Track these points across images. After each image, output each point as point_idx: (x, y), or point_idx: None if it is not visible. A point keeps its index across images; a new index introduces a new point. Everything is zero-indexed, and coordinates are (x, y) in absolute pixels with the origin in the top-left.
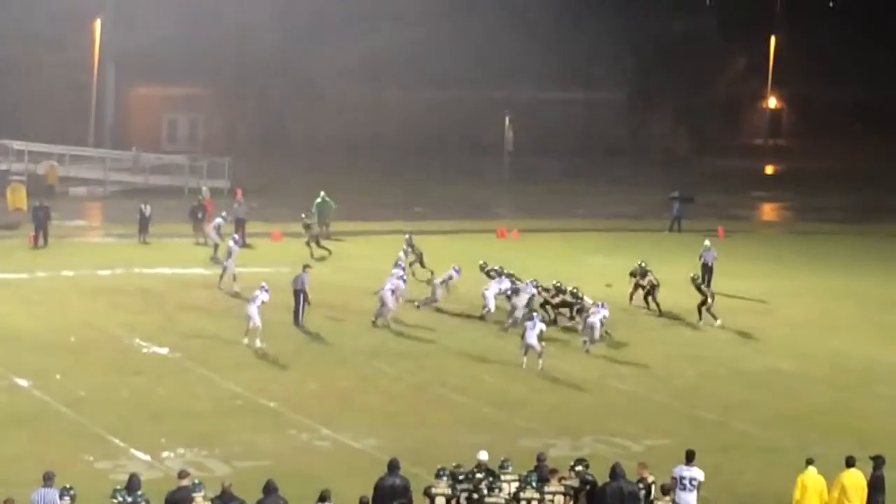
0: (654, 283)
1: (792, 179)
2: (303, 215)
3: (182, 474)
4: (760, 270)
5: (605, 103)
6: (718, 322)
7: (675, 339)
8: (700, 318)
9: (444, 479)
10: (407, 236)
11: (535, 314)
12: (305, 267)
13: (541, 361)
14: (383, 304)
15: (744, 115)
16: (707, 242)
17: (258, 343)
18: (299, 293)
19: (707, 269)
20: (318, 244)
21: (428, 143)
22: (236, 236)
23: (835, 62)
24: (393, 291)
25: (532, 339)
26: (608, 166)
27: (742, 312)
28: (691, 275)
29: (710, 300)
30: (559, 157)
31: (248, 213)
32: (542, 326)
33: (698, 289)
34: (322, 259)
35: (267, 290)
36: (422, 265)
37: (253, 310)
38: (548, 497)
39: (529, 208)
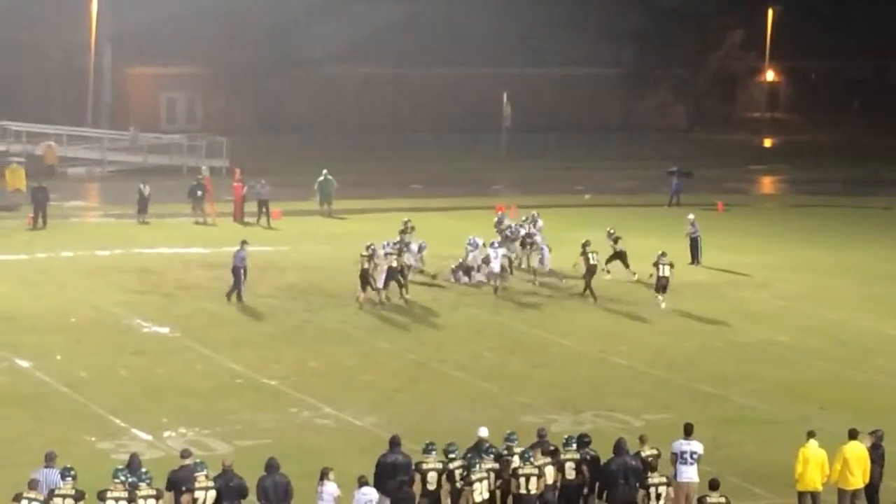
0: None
1: (790, 153)
2: None
3: (185, 454)
4: (758, 244)
5: (603, 78)
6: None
7: (672, 312)
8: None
9: (433, 454)
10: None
11: (494, 242)
12: (244, 243)
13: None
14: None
15: (741, 89)
16: (691, 216)
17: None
18: (238, 269)
19: (695, 244)
20: None
21: (425, 120)
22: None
23: (833, 36)
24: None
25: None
26: (606, 141)
27: (739, 286)
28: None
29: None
30: (557, 133)
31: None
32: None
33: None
34: None
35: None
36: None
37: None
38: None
39: (528, 184)
